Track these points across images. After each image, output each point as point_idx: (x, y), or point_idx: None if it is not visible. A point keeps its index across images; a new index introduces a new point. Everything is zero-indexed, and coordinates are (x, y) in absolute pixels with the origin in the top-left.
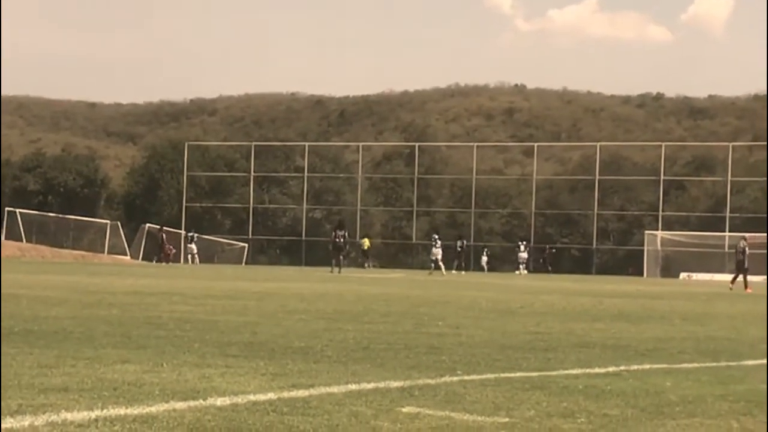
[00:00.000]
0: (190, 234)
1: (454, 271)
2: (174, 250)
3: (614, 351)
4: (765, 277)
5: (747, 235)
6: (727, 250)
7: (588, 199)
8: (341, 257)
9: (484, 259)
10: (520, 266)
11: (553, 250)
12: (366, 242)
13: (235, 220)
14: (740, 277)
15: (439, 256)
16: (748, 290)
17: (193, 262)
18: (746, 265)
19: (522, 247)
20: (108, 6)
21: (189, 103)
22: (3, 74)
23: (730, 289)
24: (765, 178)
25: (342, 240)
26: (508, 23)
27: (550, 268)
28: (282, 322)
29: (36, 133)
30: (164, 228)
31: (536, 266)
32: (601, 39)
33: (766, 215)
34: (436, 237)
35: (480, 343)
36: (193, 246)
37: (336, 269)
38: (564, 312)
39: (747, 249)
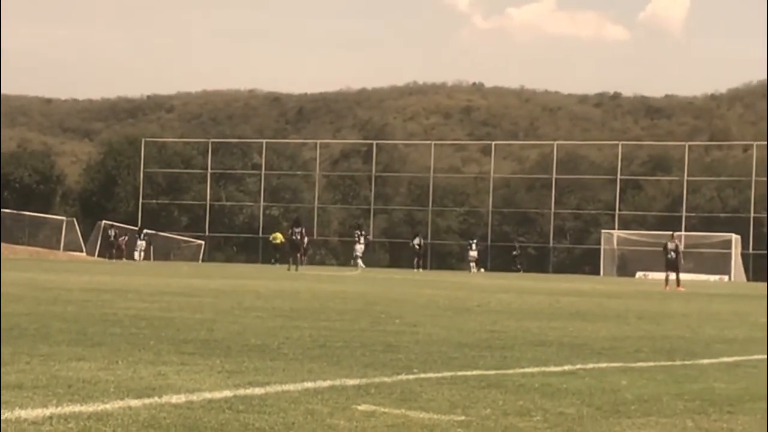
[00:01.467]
0: (139, 230)
1: (415, 270)
2: (124, 245)
3: (570, 349)
4: (720, 276)
5: (676, 233)
6: (683, 249)
7: (545, 197)
8: (298, 255)
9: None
10: (471, 265)
11: (519, 250)
12: (278, 236)
13: (192, 217)
14: (672, 276)
15: (360, 252)
16: (680, 288)
17: (141, 258)
18: (680, 264)
19: (473, 246)
20: (64, 0)
21: (146, 99)
22: None
23: (666, 289)
24: (721, 178)
25: (299, 237)
26: (466, 21)
27: (519, 267)
28: (238, 319)
29: None
30: (115, 224)
31: (505, 265)
32: (559, 37)
33: (727, 214)
34: (359, 233)
35: (437, 341)
36: (143, 242)
37: (293, 267)
38: (520, 310)
39: (679, 247)
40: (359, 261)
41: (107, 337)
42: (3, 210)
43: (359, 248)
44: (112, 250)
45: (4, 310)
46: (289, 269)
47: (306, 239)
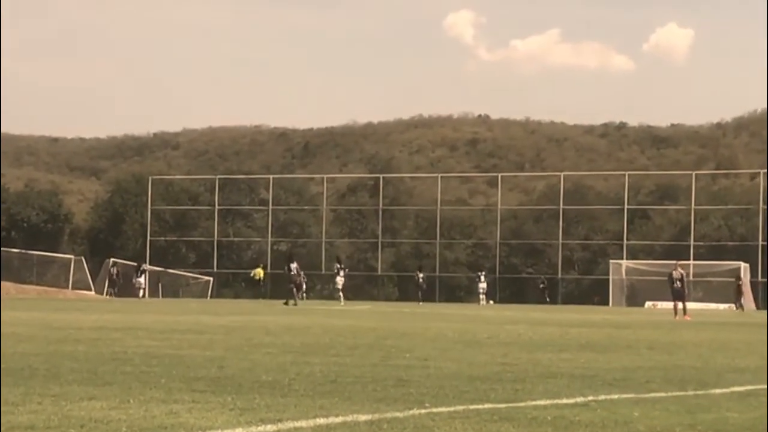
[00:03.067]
0: (137, 267)
1: (420, 303)
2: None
3: (582, 381)
4: (729, 305)
5: (680, 262)
6: (692, 278)
7: (552, 228)
8: (295, 290)
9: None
10: (481, 297)
11: (545, 282)
12: (259, 272)
13: (200, 253)
14: (680, 305)
15: (341, 285)
16: (687, 317)
17: (141, 296)
18: (686, 293)
19: (482, 278)
20: (70, 39)
21: (152, 136)
22: None
23: (675, 318)
24: (728, 207)
25: (296, 272)
26: (470, 53)
27: (548, 299)
28: (249, 355)
29: None
30: (118, 261)
31: (514, 297)
32: (563, 69)
33: (735, 243)
34: (339, 266)
35: (448, 374)
36: (141, 279)
37: (292, 302)
38: (531, 342)
39: (684, 276)
40: (341, 295)
41: (118, 376)
42: (11, 250)
43: (339, 281)
44: (113, 288)
45: (15, 350)
46: (286, 303)
47: (302, 274)
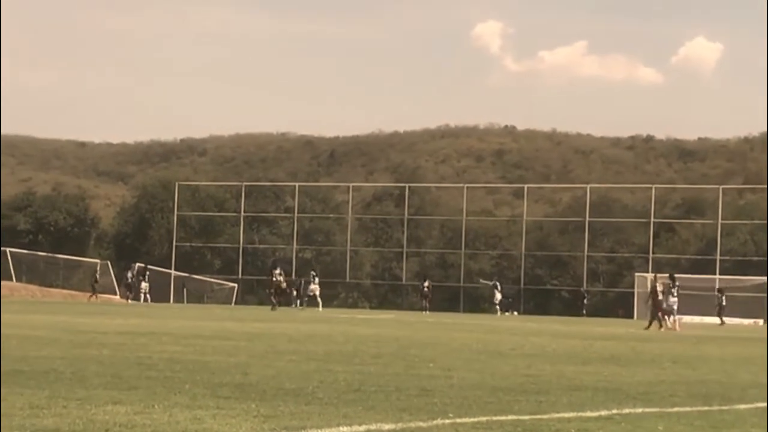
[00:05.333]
0: (140, 268)
1: (425, 312)
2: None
3: (606, 394)
4: (755, 320)
5: (659, 275)
6: (716, 293)
7: (578, 240)
8: (273, 296)
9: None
10: (497, 308)
11: (587, 295)
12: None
13: (225, 260)
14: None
15: (317, 292)
16: (661, 329)
17: (144, 300)
18: (665, 305)
19: (499, 287)
20: (99, 44)
21: (179, 142)
22: None
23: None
24: (755, 221)
25: (280, 279)
26: (497, 64)
27: (584, 312)
28: (273, 363)
29: (26, 173)
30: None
31: (538, 309)
32: (591, 80)
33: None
34: (314, 273)
35: (471, 385)
36: (145, 284)
37: (275, 307)
38: (555, 354)
39: (660, 288)
40: (318, 300)
41: (143, 381)
42: (38, 253)
43: (314, 288)
44: (129, 291)
45: (39, 354)
46: (273, 309)
47: (282, 279)
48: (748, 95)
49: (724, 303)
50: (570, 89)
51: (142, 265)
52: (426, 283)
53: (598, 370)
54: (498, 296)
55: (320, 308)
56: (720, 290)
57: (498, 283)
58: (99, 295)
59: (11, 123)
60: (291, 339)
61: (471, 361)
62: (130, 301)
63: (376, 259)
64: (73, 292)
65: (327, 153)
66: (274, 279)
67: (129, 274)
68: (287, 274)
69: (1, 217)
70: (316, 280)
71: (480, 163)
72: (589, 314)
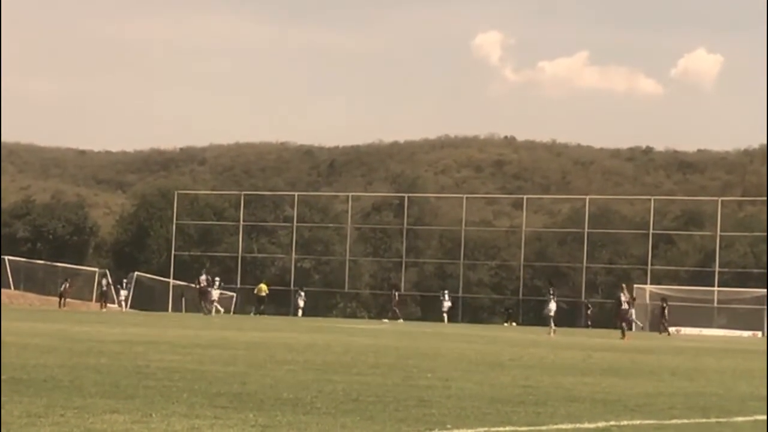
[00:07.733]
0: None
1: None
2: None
3: (604, 406)
4: (753, 332)
5: (626, 286)
6: (716, 305)
7: (577, 252)
8: (203, 302)
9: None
10: (444, 316)
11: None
12: (263, 288)
13: (224, 268)
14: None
15: (216, 297)
16: (626, 340)
17: (122, 307)
18: (629, 316)
19: (446, 296)
20: (99, 53)
21: (179, 151)
22: None
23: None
24: (755, 234)
25: (205, 285)
26: (497, 74)
27: (590, 323)
28: (271, 372)
29: (26, 180)
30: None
31: (537, 320)
32: (590, 92)
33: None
34: (216, 280)
35: (469, 396)
36: (124, 291)
37: (207, 312)
38: (553, 365)
39: (624, 298)
40: (215, 305)
41: (141, 390)
42: (36, 261)
43: (215, 293)
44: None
45: (38, 362)
46: (205, 314)
47: (207, 285)
48: (747, 107)
49: (667, 315)
50: (570, 100)
51: (104, 271)
52: (446, 293)
53: (597, 382)
54: (447, 304)
55: (215, 313)
56: (663, 299)
57: (446, 292)
58: (68, 301)
59: (11, 130)
60: (290, 348)
61: (469, 371)
62: (104, 309)
63: (375, 269)
64: (71, 301)
65: (326, 163)
66: (200, 285)
67: (104, 282)
68: (268, 283)
69: (0, 225)
70: (216, 284)
71: (479, 174)
72: (587, 325)
